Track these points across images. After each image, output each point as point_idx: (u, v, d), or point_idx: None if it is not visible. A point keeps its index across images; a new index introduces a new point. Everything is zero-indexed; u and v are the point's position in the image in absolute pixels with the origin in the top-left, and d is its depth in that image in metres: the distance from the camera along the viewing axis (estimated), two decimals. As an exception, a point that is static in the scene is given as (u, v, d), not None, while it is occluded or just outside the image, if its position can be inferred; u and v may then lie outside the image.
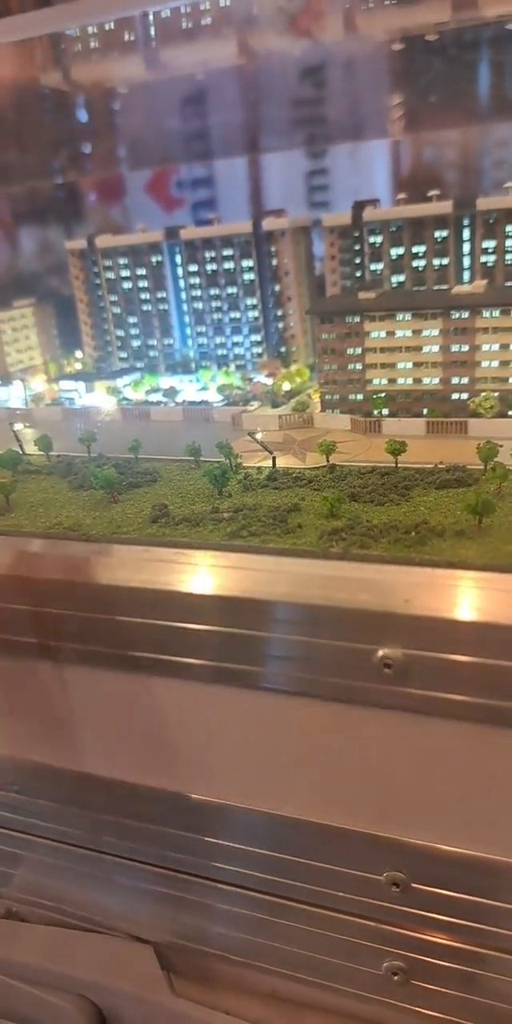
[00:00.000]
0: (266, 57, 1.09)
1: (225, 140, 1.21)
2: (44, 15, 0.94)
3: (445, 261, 0.96)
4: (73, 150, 1.32)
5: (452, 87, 1.01)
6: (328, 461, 0.74)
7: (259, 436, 0.80)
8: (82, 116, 1.27)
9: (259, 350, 1.13)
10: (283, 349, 1.13)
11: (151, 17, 1.02)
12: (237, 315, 1.12)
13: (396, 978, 0.59)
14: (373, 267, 1.00)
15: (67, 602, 0.59)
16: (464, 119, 1.06)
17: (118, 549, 0.62)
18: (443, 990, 0.58)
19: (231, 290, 1.12)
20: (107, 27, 1.03)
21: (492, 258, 0.94)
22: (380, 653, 0.49)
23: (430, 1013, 0.60)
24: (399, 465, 0.70)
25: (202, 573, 0.57)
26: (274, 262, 1.09)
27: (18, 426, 0.93)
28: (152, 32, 1.04)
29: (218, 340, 1.15)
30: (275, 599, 0.52)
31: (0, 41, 0.98)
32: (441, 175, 1.13)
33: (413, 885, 0.56)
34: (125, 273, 1.19)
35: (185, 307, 1.17)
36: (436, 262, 0.96)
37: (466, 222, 0.95)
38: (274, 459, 0.75)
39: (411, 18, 0.93)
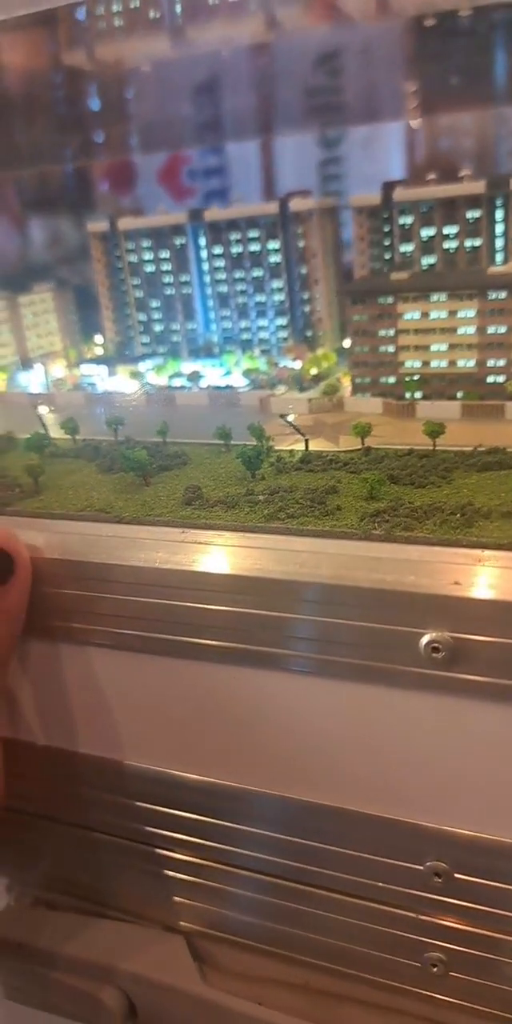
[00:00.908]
0: (293, 38, 1.07)
1: (259, 121, 1.19)
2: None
3: (477, 242, 0.94)
4: (88, 134, 1.30)
5: (484, 66, 0.99)
6: (363, 443, 0.72)
7: (291, 418, 0.78)
8: (103, 98, 1.25)
9: (284, 334, 1.11)
10: (309, 333, 1.11)
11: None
12: (262, 298, 1.11)
13: (435, 970, 0.58)
14: (403, 248, 0.98)
15: (102, 584, 0.58)
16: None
17: (152, 531, 0.61)
18: (484, 983, 0.57)
19: (256, 273, 1.10)
20: (133, 5, 1.01)
21: (526, 238, 0.93)
22: (429, 637, 0.48)
23: (470, 1006, 0.58)
24: (437, 448, 0.69)
25: (241, 555, 0.55)
26: (301, 244, 1.07)
27: (42, 409, 0.92)
28: (177, 10, 1.02)
29: (242, 324, 1.14)
30: (318, 581, 0.51)
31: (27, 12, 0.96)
32: (469, 156, 1.10)
33: (456, 875, 0.55)
34: (148, 256, 1.17)
35: (209, 290, 1.16)
36: (468, 243, 0.95)
37: (499, 202, 0.93)
38: (307, 442, 0.74)
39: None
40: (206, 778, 0.61)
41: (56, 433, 0.88)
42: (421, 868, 0.55)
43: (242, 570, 0.54)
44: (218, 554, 0.56)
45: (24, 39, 1.10)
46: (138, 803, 0.66)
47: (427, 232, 0.96)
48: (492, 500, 0.57)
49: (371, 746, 0.54)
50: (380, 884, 0.58)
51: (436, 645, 0.48)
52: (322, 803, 0.57)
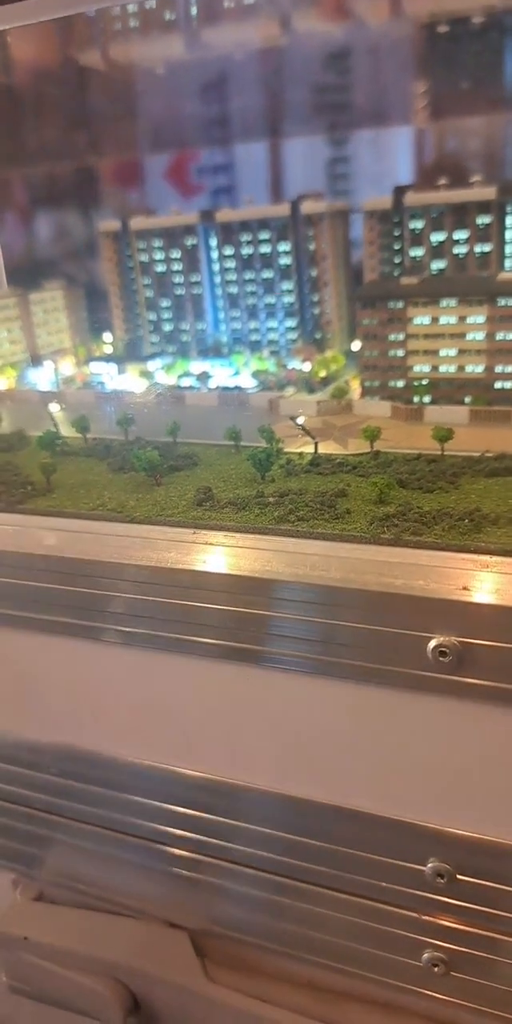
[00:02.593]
0: (305, 40, 1.08)
1: (269, 121, 1.20)
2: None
3: (487, 247, 0.95)
4: (99, 133, 1.31)
5: (496, 71, 1.00)
6: (372, 447, 0.73)
7: (301, 421, 0.79)
8: (116, 97, 1.26)
9: (293, 336, 1.12)
10: (318, 335, 1.12)
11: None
12: (272, 299, 1.11)
13: (436, 969, 0.59)
14: (413, 253, 0.98)
15: (115, 583, 0.58)
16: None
17: (164, 531, 0.61)
18: (485, 983, 0.58)
19: (266, 274, 1.11)
20: (148, 5, 1.02)
21: (536, 245, 0.93)
22: (436, 641, 0.48)
23: (470, 1005, 0.59)
24: (445, 452, 0.69)
25: (251, 557, 0.56)
26: (311, 246, 1.07)
27: (54, 406, 0.93)
28: (193, 12, 1.02)
29: (252, 325, 1.14)
30: (329, 584, 0.51)
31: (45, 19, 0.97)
32: (480, 161, 1.11)
33: (458, 877, 0.55)
34: (159, 256, 1.18)
35: (219, 291, 1.16)
36: (478, 248, 0.95)
37: (510, 208, 0.93)
38: (316, 444, 0.74)
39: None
40: (209, 775, 0.62)
41: (66, 431, 0.88)
42: (424, 869, 0.56)
43: (253, 572, 0.54)
44: (229, 555, 0.57)
45: (41, 39, 1.10)
46: (144, 800, 0.66)
47: (437, 237, 0.97)
48: (500, 506, 0.58)
49: (377, 747, 0.55)
50: (383, 884, 0.58)
51: (443, 649, 0.48)
52: (328, 802, 0.58)
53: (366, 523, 0.57)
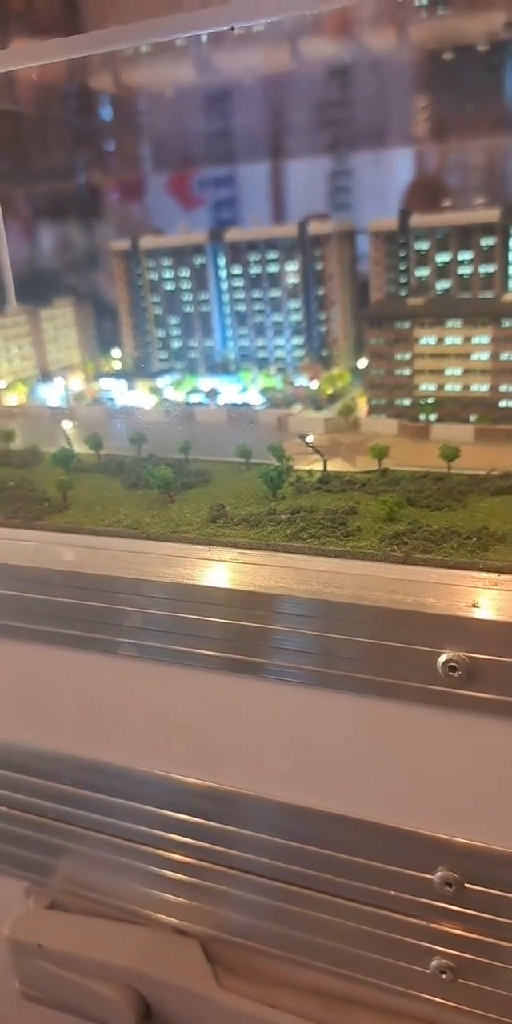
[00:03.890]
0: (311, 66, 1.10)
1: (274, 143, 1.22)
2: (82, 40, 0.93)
3: (491, 268, 0.97)
4: (107, 152, 1.33)
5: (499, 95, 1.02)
6: (380, 465, 0.75)
7: (310, 439, 0.81)
8: (124, 118, 1.28)
9: (300, 353, 1.14)
10: (324, 353, 1.13)
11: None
12: (279, 318, 1.13)
13: (444, 976, 0.60)
14: (418, 273, 1.00)
15: (131, 598, 0.60)
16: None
17: (179, 547, 0.63)
18: (492, 990, 0.59)
19: (274, 293, 1.13)
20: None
21: (539, 266, 0.95)
22: (446, 656, 0.50)
23: (478, 1012, 0.60)
24: (451, 471, 0.71)
25: (265, 573, 0.58)
26: (319, 266, 1.09)
27: (66, 424, 0.94)
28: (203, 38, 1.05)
29: (259, 342, 1.16)
30: (341, 600, 0.53)
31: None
32: (485, 183, 1.13)
33: (466, 885, 0.57)
34: (168, 274, 1.20)
35: (227, 309, 1.18)
36: (482, 269, 0.97)
37: (513, 230, 0.95)
38: (325, 462, 0.76)
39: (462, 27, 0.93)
40: (223, 786, 0.63)
41: (78, 447, 0.90)
42: (433, 877, 0.57)
43: (267, 588, 0.56)
44: (243, 572, 0.58)
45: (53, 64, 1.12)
46: (156, 809, 0.68)
47: (442, 258, 0.99)
48: (506, 524, 0.59)
49: (388, 759, 0.56)
50: (392, 892, 0.60)
51: (453, 664, 0.50)
52: (339, 813, 0.59)
53: (377, 541, 0.59)
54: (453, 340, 0.83)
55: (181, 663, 0.60)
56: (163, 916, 0.72)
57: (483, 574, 0.53)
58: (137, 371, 1.25)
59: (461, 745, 0.53)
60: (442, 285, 1.00)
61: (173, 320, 1.23)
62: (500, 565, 0.54)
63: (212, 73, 1.12)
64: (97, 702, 0.68)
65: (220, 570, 0.59)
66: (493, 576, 0.53)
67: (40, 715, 0.71)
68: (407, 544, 0.57)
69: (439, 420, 0.85)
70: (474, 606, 0.50)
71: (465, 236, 0.98)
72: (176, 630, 0.59)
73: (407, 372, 0.87)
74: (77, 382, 1.26)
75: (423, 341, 0.85)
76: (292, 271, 1.10)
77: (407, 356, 0.86)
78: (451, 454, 0.70)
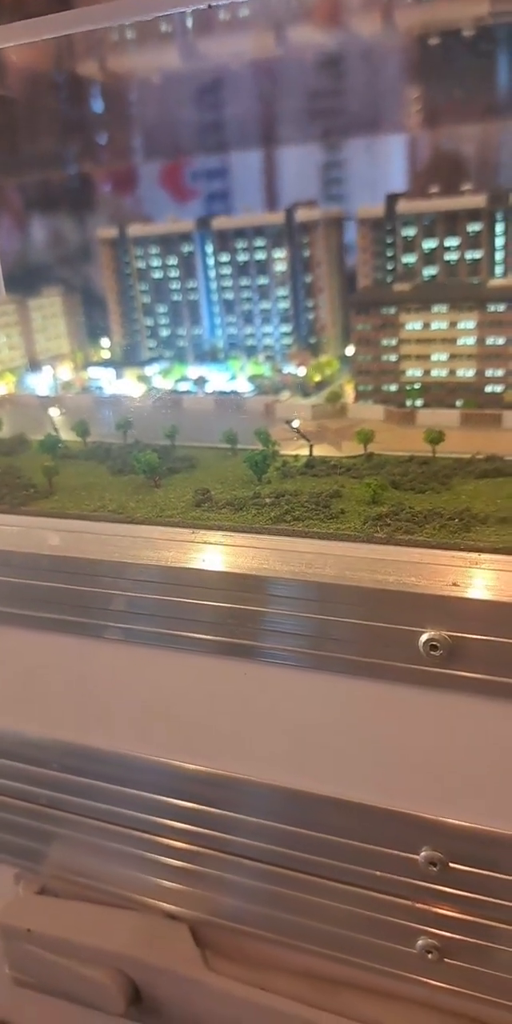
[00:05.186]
0: (299, 51, 1.10)
1: (264, 130, 1.22)
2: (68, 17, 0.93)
3: (478, 254, 0.97)
4: (97, 141, 1.33)
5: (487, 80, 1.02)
6: (366, 449, 0.75)
7: (296, 424, 0.81)
8: (112, 106, 1.28)
9: (288, 340, 1.14)
10: (312, 340, 1.14)
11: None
12: (267, 305, 1.13)
13: (430, 956, 0.60)
14: (405, 259, 1.00)
15: (116, 581, 0.60)
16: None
17: (164, 531, 0.63)
18: (477, 968, 0.59)
19: (261, 280, 1.13)
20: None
21: (525, 251, 0.95)
22: (427, 635, 0.50)
23: (464, 991, 0.61)
24: (436, 455, 0.71)
25: (249, 555, 0.58)
26: (306, 253, 1.09)
27: (54, 411, 0.94)
28: (188, 24, 1.04)
29: (247, 330, 1.16)
30: (323, 581, 0.53)
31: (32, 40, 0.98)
32: (474, 169, 1.13)
33: (451, 865, 0.57)
34: (156, 262, 1.20)
35: (215, 296, 1.18)
36: (469, 255, 0.97)
37: (500, 216, 0.95)
38: (311, 447, 0.76)
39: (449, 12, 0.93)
40: (209, 769, 0.64)
41: (66, 435, 0.90)
42: (417, 857, 0.58)
43: (251, 570, 0.56)
44: (227, 554, 0.58)
45: (39, 48, 1.12)
46: (144, 794, 0.68)
47: (429, 244, 0.99)
48: (489, 506, 0.60)
49: (371, 739, 0.57)
50: (377, 872, 0.60)
51: (434, 643, 0.50)
52: (322, 794, 0.60)
53: (360, 523, 0.59)
54: (439, 325, 0.84)
55: (167, 646, 0.61)
56: (153, 900, 0.72)
57: (464, 554, 0.54)
58: (125, 359, 1.25)
59: (443, 724, 0.54)
60: (429, 271, 1.00)
61: (161, 308, 1.23)
62: (481, 545, 0.54)
63: (199, 60, 1.12)
64: (85, 687, 0.68)
65: (204, 552, 0.59)
66: (474, 555, 0.53)
67: (28, 700, 0.72)
68: (390, 525, 0.58)
69: (425, 405, 0.86)
70: (454, 585, 0.50)
71: (452, 222, 0.98)
72: (162, 613, 0.59)
73: (393, 358, 0.87)
74: (66, 371, 1.26)
75: (409, 327, 0.85)
76: (280, 258, 1.10)
77: (393, 342, 0.86)
78: (436, 438, 0.70)
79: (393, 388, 0.87)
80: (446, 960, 0.60)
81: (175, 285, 1.20)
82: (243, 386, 1.07)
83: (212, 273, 1.18)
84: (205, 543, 0.61)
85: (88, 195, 1.40)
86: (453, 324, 0.83)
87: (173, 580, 0.58)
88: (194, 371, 1.14)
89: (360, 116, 1.17)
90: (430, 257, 1.00)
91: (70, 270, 1.41)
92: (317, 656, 0.55)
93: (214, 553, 0.59)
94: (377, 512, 0.60)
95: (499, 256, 0.98)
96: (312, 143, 1.21)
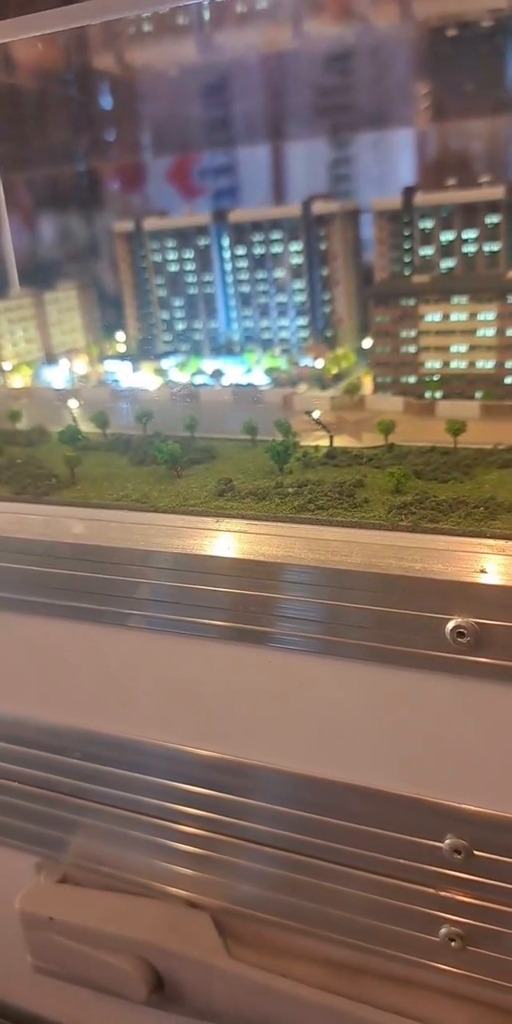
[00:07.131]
0: (314, 44, 1.10)
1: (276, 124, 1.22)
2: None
3: (496, 246, 0.96)
4: (109, 135, 1.33)
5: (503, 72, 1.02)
6: (387, 440, 0.75)
7: (316, 415, 0.81)
8: (126, 100, 1.28)
9: (304, 334, 1.14)
10: (329, 333, 1.14)
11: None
12: (283, 298, 1.13)
13: (453, 944, 0.60)
14: (423, 252, 1.00)
15: (141, 569, 0.61)
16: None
17: (188, 519, 0.64)
18: (501, 957, 0.60)
19: (278, 273, 1.13)
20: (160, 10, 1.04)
21: (543, 244, 0.95)
22: (454, 622, 0.50)
23: (488, 979, 0.61)
24: (458, 445, 0.71)
25: (274, 543, 0.58)
26: (323, 246, 1.10)
27: (73, 403, 0.95)
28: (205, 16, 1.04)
29: (263, 323, 1.16)
30: (350, 568, 0.54)
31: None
32: (489, 161, 1.13)
33: (475, 852, 0.57)
34: (172, 256, 1.20)
35: (231, 290, 1.18)
36: (487, 247, 0.97)
37: (518, 208, 0.95)
38: (331, 438, 0.76)
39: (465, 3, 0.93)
40: (233, 757, 0.64)
41: (84, 427, 0.90)
42: (441, 845, 0.58)
43: (276, 558, 0.56)
44: (252, 542, 0.59)
45: (52, 42, 1.12)
46: (166, 781, 0.68)
47: (447, 236, 0.99)
48: (513, 495, 0.60)
49: (395, 727, 0.57)
50: (401, 861, 0.60)
51: (461, 630, 0.50)
52: (347, 781, 0.60)
53: (384, 511, 0.59)
54: (458, 317, 0.84)
55: (190, 634, 0.61)
56: (174, 889, 0.73)
57: (491, 541, 0.54)
58: (141, 353, 1.25)
59: (469, 712, 0.54)
60: (446, 264, 1.00)
61: (177, 302, 1.23)
62: (508, 533, 0.54)
63: (215, 53, 1.12)
64: (107, 674, 0.68)
65: (228, 540, 0.59)
66: (501, 543, 0.53)
67: (50, 689, 0.72)
68: (415, 514, 0.58)
69: (445, 397, 0.86)
70: (482, 572, 0.50)
71: (470, 214, 0.98)
72: (185, 601, 0.60)
73: (412, 349, 0.87)
74: (81, 364, 1.27)
75: (428, 318, 0.85)
76: (296, 251, 1.10)
77: (412, 333, 0.86)
78: (457, 428, 0.70)
79: (412, 380, 0.88)
80: (469, 948, 0.60)
81: (191, 278, 1.20)
82: (259, 379, 1.07)
83: (228, 266, 1.18)
84: (229, 531, 0.61)
85: (102, 189, 1.41)
86: (473, 315, 0.83)
87: (197, 568, 0.59)
88: (210, 364, 1.14)
89: (373, 110, 1.17)
90: (448, 249, 1.00)
91: (85, 264, 1.42)
92: (342, 643, 0.55)
93: (238, 541, 0.59)
94: (401, 501, 0.60)
95: (517, 248, 0.97)
96: (322, 137, 1.21)
